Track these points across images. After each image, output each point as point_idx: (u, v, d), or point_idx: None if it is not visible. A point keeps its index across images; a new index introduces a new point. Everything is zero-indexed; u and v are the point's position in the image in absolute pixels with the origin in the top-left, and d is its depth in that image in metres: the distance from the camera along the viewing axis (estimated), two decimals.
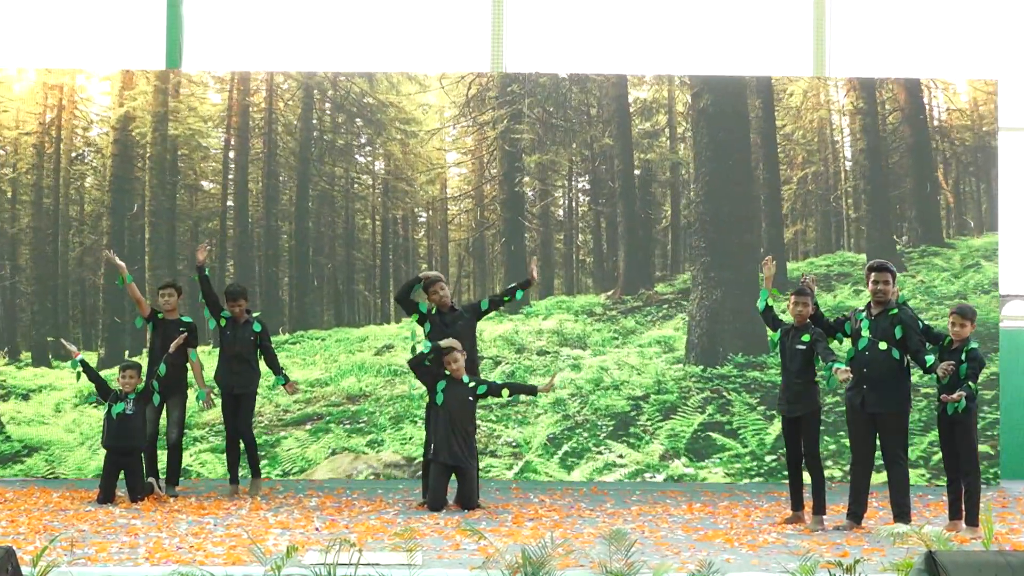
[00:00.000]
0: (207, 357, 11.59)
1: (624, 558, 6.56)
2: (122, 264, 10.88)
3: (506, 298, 10.73)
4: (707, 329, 12.80)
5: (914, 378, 9.38)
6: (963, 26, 13.05)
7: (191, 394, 11.08)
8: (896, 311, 9.07)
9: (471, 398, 10.18)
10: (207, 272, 10.87)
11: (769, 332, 9.84)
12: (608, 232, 12.98)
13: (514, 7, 13.04)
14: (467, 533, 7.94)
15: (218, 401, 10.99)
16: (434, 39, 13.08)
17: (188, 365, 10.92)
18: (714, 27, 13.10)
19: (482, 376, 10.97)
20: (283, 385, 11.03)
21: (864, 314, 9.19)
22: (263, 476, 11.56)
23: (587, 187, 13.02)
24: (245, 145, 12.83)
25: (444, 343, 10.10)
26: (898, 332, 8.99)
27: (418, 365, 10.21)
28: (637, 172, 12.92)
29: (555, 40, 13.14)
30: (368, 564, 6.55)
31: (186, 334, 10.73)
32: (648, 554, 7.54)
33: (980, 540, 7.80)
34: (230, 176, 12.85)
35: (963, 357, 8.90)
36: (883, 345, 8.99)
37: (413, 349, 10.69)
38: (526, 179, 12.90)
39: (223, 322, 10.88)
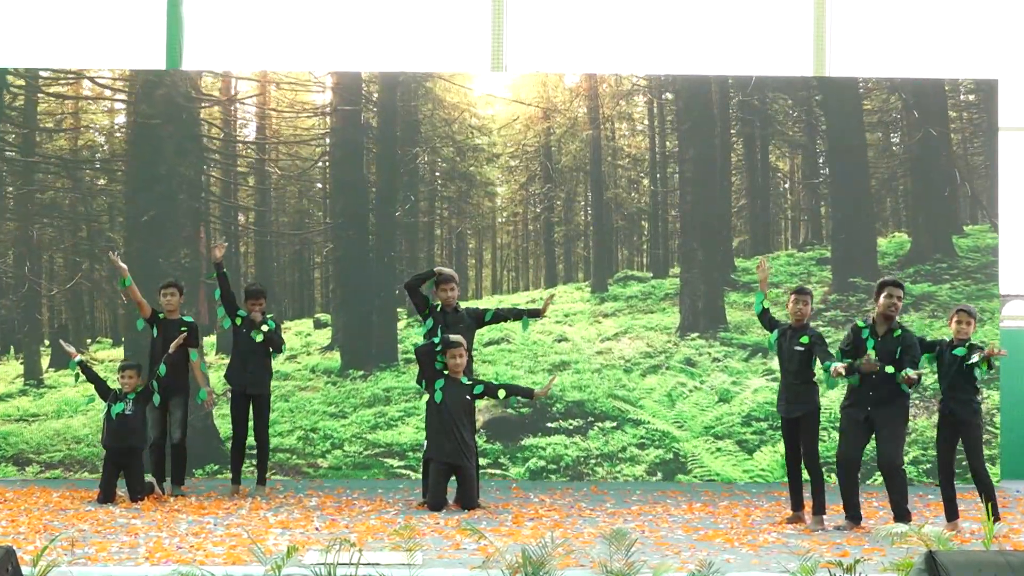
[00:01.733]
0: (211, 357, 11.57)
1: (624, 558, 6.56)
2: (123, 266, 10.85)
3: (512, 319, 10.73)
4: None
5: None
6: (963, 26, 13.05)
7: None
8: (899, 332, 9.11)
9: (468, 397, 10.18)
10: (224, 270, 10.84)
11: (767, 333, 9.80)
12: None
13: (514, 7, 13.04)
14: (467, 533, 7.94)
15: (221, 400, 10.96)
16: (434, 39, 13.08)
17: (189, 365, 10.91)
18: (714, 27, 13.09)
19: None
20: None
21: (868, 332, 9.17)
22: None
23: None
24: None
25: (453, 337, 10.11)
26: (898, 354, 9.05)
27: (426, 354, 10.19)
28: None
29: (555, 40, 13.13)
30: (368, 564, 6.55)
31: (186, 333, 10.72)
32: (648, 554, 7.54)
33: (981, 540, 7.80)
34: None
35: (966, 352, 8.94)
36: (890, 369, 9.00)
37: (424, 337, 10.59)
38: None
39: (239, 321, 10.87)
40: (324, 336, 12.73)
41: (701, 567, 6.63)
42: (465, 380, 10.20)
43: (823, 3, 13.03)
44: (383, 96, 12.87)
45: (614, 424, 12.27)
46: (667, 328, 12.60)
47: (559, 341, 12.63)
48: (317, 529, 8.80)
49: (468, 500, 9.98)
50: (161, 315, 10.88)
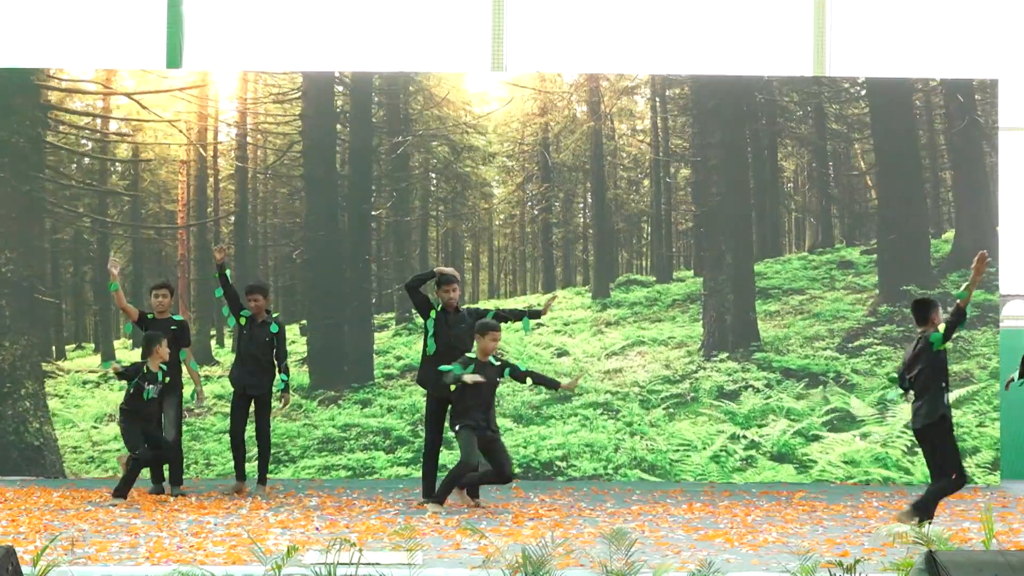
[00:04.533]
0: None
1: (624, 558, 6.55)
2: (115, 271, 10.83)
3: (513, 320, 10.66)
4: None
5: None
6: (963, 26, 13.05)
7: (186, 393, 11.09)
8: None
9: (499, 379, 10.11)
10: (227, 271, 10.82)
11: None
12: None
13: (514, 7, 13.03)
14: (467, 533, 7.94)
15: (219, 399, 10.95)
16: (434, 39, 13.07)
17: (182, 365, 10.91)
18: (714, 27, 13.09)
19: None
20: (280, 390, 10.93)
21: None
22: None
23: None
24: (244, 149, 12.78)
25: (469, 379, 9.79)
26: None
27: (439, 381, 9.98)
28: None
29: (555, 40, 13.13)
30: (368, 564, 6.55)
31: (175, 330, 10.70)
32: (648, 554, 7.53)
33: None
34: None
35: None
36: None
37: (425, 343, 10.29)
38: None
39: (243, 321, 10.87)
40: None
41: (701, 567, 6.62)
42: (494, 361, 10.11)
43: (823, 3, 13.03)
44: (359, 87, 12.40)
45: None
46: (682, 342, 11.89)
47: (559, 356, 12.14)
48: (317, 529, 8.80)
49: (504, 470, 9.73)
50: (150, 315, 10.87)
